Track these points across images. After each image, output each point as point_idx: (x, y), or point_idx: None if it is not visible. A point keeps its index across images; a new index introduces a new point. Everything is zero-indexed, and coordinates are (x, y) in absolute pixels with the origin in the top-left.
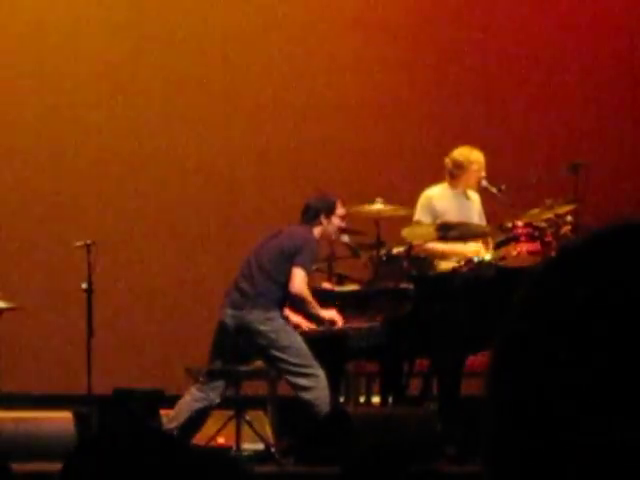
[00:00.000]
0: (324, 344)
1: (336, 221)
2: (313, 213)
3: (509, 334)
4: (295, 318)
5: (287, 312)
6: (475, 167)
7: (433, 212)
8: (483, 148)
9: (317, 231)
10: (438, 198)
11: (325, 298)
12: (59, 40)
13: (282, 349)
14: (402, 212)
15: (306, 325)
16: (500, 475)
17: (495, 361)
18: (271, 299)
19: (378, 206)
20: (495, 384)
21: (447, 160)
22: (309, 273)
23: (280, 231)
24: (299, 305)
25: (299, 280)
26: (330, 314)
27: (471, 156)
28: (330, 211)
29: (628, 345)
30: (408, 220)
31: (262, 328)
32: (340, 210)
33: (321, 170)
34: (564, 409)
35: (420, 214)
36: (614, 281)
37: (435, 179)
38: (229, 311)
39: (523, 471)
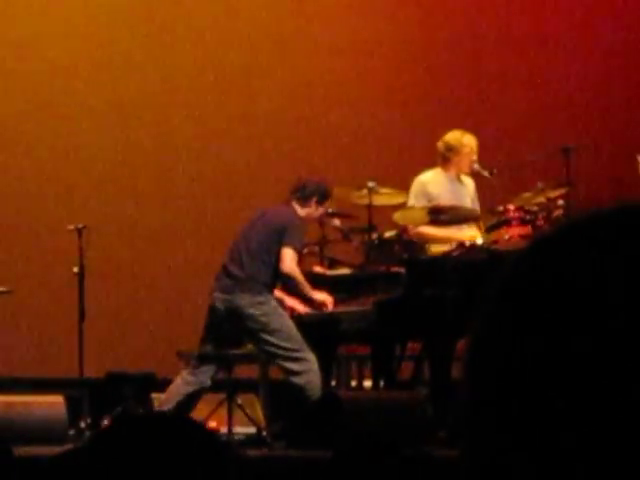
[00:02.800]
0: (315, 328)
1: (322, 210)
2: (307, 194)
3: (484, 319)
4: (290, 301)
5: (281, 295)
6: (467, 150)
7: (427, 197)
8: (475, 131)
9: (303, 212)
10: (431, 183)
11: (317, 282)
12: (56, 24)
13: (273, 333)
14: (397, 199)
15: (301, 308)
16: (476, 456)
17: (471, 347)
18: (261, 282)
19: (381, 195)
20: (471, 370)
21: (439, 144)
22: (299, 252)
23: (264, 212)
24: (290, 285)
25: (289, 259)
26: (321, 296)
27: (463, 139)
28: (323, 199)
29: (597, 331)
30: (400, 205)
31: (252, 312)
32: (330, 201)
33: (314, 153)
34: (537, 392)
35: (414, 199)
36: (584, 269)
37: (427, 164)
38: (219, 295)
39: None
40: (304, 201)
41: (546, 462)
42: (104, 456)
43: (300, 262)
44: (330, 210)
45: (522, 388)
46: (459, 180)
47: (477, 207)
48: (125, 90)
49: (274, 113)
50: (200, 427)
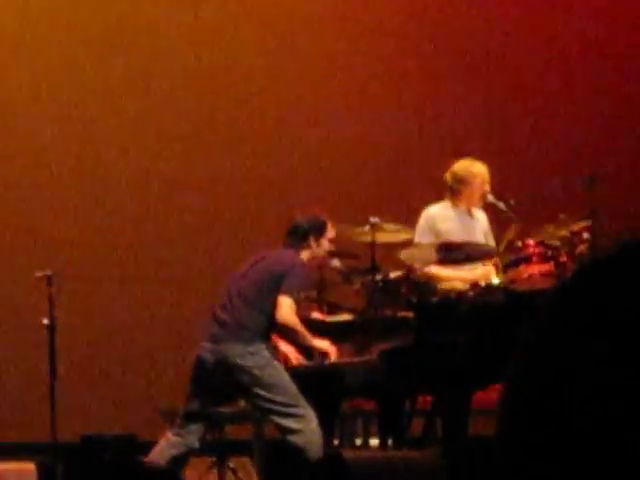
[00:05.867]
0: (315, 381)
1: (325, 244)
2: (301, 235)
3: (522, 367)
4: (285, 348)
5: (276, 341)
6: (478, 181)
7: (435, 233)
8: (488, 159)
9: (305, 255)
10: (440, 217)
11: (315, 329)
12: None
13: (267, 387)
14: (403, 235)
15: (295, 357)
16: None
17: (508, 396)
18: (254, 331)
19: (384, 232)
20: (510, 421)
21: (447, 175)
22: (297, 301)
23: (263, 256)
24: (288, 336)
25: (286, 308)
26: (323, 344)
27: (473, 169)
28: (320, 233)
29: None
30: (407, 242)
31: (244, 363)
32: (330, 232)
33: (310, 186)
34: (587, 446)
35: (421, 236)
36: (633, 305)
37: (435, 196)
38: (207, 345)
39: None
40: (302, 242)
41: None
42: None
43: (297, 308)
44: (333, 245)
45: (569, 440)
46: (470, 214)
47: (491, 243)
48: (94, 132)
49: (267, 143)
50: None
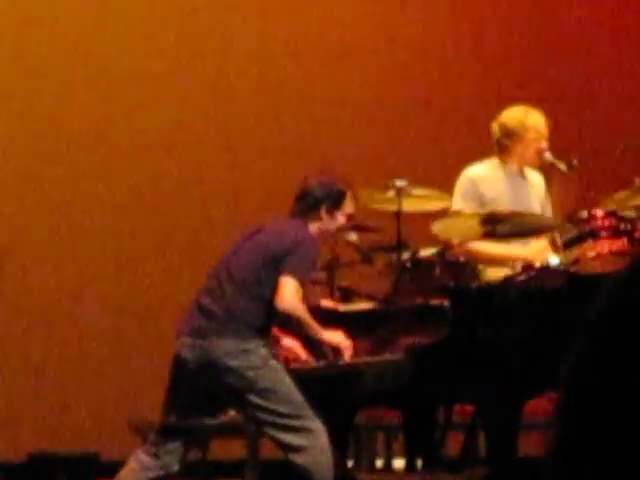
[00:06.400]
0: (325, 385)
1: (340, 219)
2: (312, 203)
3: (583, 362)
4: (288, 342)
5: (278, 334)
6: (532, 135)
7: (479, 199)
8: (545, 107)
9: (314, 227)
10: (485, 180)
11: (325, 321)
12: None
13: (264, 393)
14: (437, 203)
15: (302, 353)
16: None
17: (565, 400)
18: (250, 323)
19: (414, 198)
20: (566, 432)
21: (494, 126)
22: (304, 284)
23: (260, 228)
24: (290, 327)
25: (290, 292)
26: (335, 337)
27: (527, 120)
28: (335, 205)
29: None
30: (442, 211)
31: (235, 364)
32: (349, 206)
33: (326, 144)
34: None
35: (460, 202)
36: None
37: (478, 154)
38: (189, 340)
39: None
40: (311, 212)
41: None
42: None
43: (303, 293)
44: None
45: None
46: (523, 176)
47: (549, 213)
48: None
49: (285, 95)
50: None
